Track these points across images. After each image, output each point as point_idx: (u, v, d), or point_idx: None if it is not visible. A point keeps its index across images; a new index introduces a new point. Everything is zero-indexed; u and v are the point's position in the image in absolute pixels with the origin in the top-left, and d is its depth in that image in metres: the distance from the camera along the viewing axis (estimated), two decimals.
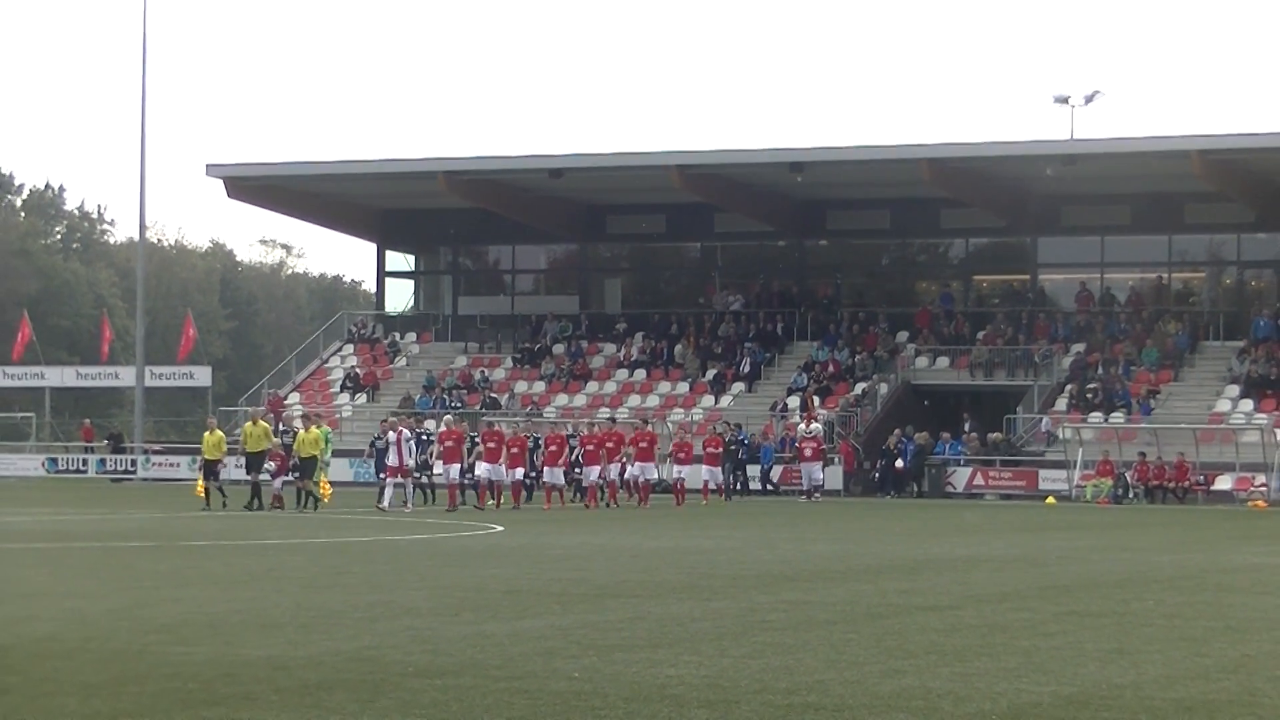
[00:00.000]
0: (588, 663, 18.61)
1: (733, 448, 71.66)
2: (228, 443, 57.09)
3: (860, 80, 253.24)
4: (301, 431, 54.91)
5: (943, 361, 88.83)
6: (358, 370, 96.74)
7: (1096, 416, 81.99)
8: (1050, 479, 77.40)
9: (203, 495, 53.74)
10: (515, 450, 59.48)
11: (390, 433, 56.75)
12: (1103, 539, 45.83)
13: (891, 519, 57.01)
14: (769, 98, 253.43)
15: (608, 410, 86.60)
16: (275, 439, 55.26)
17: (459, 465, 58.10)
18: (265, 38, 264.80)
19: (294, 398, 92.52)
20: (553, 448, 60.34)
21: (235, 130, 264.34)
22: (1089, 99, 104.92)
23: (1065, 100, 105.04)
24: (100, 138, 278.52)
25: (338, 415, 79.52)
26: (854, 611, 24.82)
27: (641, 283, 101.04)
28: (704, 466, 67.80)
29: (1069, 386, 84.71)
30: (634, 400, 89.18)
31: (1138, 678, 18.08)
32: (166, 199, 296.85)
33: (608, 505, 60.24)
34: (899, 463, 79.09)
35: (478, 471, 58.55)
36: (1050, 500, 73.93)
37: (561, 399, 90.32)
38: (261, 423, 55.11)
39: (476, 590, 27.70)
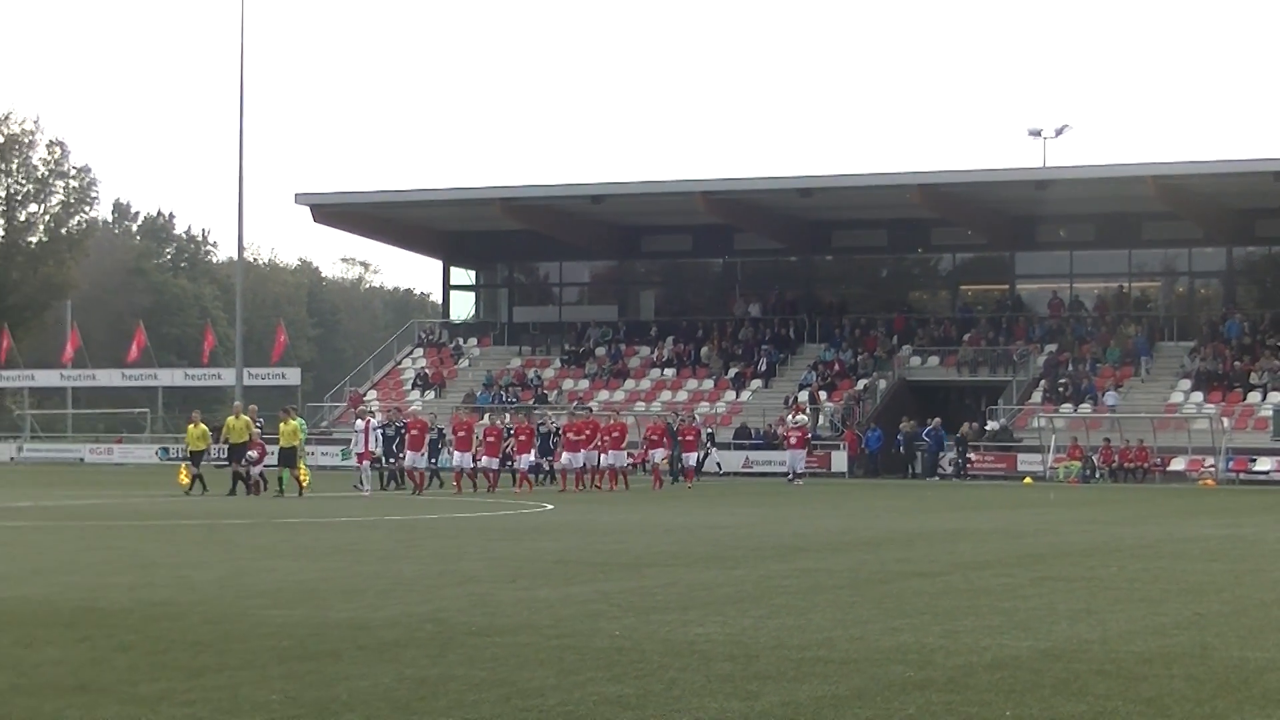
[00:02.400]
0: (627, 623, 18.60)
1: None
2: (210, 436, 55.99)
3: (860, 115, 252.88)
4: (281, 424, 54.06)
5: (933, 360, 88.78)
6: (427, 370, 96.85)
7: (1067, 407, 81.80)
8: (1027, 462, 77.32)
9: (186, 481, 53.09)
10: (523, 439, 59.25)
11: (359, 420, 56.36)
12: (1072, 514, 45.69)
13: (889, 498, 56.85)
14: (781, 131, 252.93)
15: (643, 404, 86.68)
16: (256, 430, 54.11)
17: (469, 453, 57.27)
18: (345, 80, 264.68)
19: (371, 394, 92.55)
20: (522, 437, 59.65)
21: (319, 161, 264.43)
22: (1059, 132, 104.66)
23: (1038, 133, 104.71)
24: (205, 170, 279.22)
25: (411, 408, 79.18)
26: (857, 578, 24.79)
27: (671, 294, 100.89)
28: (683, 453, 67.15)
29: (1043, 381, 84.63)
30: (665, 395, 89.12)
31: (1104, 634, 18.05)
32: (261, 223, 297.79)
33: (591, 488, 59.04)
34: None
35: (482, 461, 57.98)
36: (1027, 480, 73.79)
37: (603, 394, 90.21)
38: (244, 416, 53.91)
39: (529, 561, 27.71)
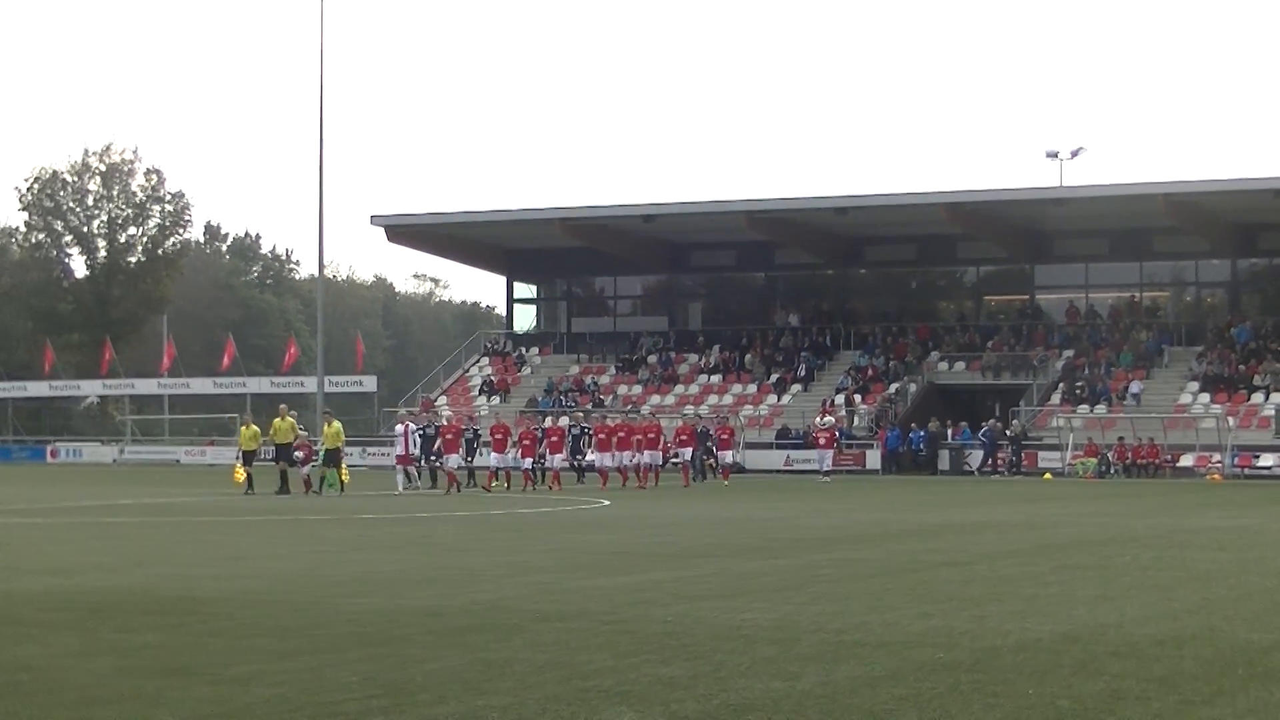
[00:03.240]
0: (678, 609, 18.60)
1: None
2: (262, 437, 55.34)
3: (891, 138, 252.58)
4: (325, 427, 54.04)
5: (959, 365, 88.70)
6: (492, 377, 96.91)
7: (1084, 408, 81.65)
8: (1047, 459, 77.13)
9: (241, 480, 52.63)
10: (555, 439, 58.73)
11: (398, 425, 55.91)
12: (1089, 507, 45.57)
13: (919, 493, 56.74)
14: (817, 153, 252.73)
15: (691, 407, 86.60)
16: (302, 432, 54.08)
17: (504, 454, 57.30)
18: (415, 108, 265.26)
19: (442, 400, 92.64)
20: (554, 438, 59.13)
21: (392, 183, 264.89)
22: (1074, 154, 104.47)
23: (1055, 155, 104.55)
24: (288, 194, 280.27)
25: (477, 413, 79.24)
26: (890, 567, 24.75)
27: (717, 305, 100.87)
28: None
29: (1061, 384, 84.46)
30: (712, 399, 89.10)
31: (1119, 618, 17.98)
32: (340, 242, 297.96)
33: (622, 486, 58.07)
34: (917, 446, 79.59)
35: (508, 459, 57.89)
36: (1047, 476, 73.57)
37: (655, 399, 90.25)
38: (289, 418, 53.80)
39: (588, 552, 27.71)
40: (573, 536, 32.28)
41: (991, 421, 79.22)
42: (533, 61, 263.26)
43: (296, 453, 52.80)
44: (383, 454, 79.90)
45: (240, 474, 53.02)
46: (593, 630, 16.75)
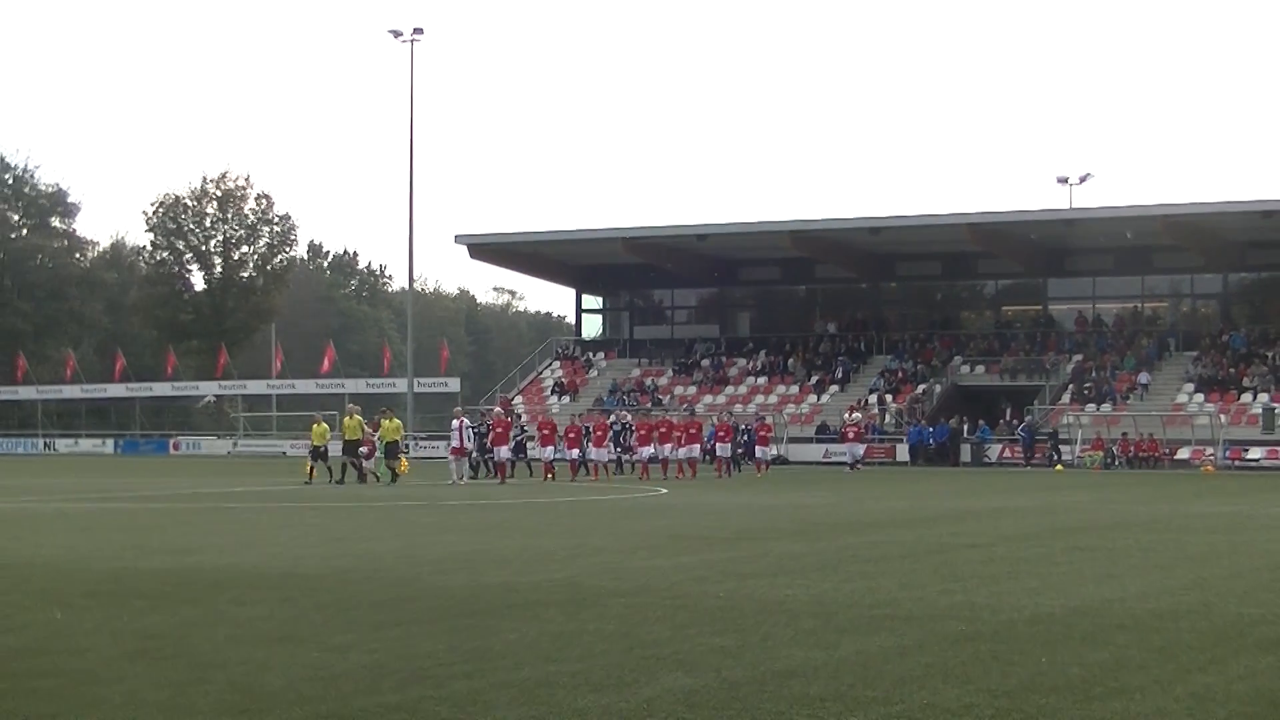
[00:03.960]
0: (728, 586, 18.60)
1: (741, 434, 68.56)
2: (331, 433, 55.48)
3: (918, 165, 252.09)
4: (385, 422, 53.67)
5: (979, 369, 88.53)
6: (563, 379, 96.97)
7: (1091, 407, 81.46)
8: (1066, 451, 76.86)
9: (310, 475, 52.67)
10: (599, 434, 58.06)
11: (454, 421, 55.19)
12: (1096, 495, 45.42)
13: (943, 483, 56.61)
14: (854, 179, 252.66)
15: (740, 406, 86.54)
16: (368, 429, 53.60)
17: (551, 447, 56.79)
18: (492, 138, 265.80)
19: (518, 399, 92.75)
20: (599, 433, 58.48)
21: (473, 205, 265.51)
22: (1083, 179, 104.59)
23: (1066, 180, 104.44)
24: (382, 216, 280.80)
25: (550, 411, 79.25)
26: (917, 548, 24.69)
27: (763, 315, 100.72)
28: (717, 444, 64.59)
29: (1071, 385, 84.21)
30: (759, 399, 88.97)
31: (1123, 594, 17.94)
32: (427, 258, 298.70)
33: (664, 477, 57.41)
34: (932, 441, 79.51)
35: (572, 453, 57.84)
36: (1059, 468, 73.39)
37: (707, 399, 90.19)
38: (357, 417, 53.58)
39: (648, 535, 27.70)
40: (634, 522, 32.31)
41: (1029, 419, 79.06)
42: (599, 94, 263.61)
43: (361, 448, 52.70)
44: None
45: (309, 467, 53.31)
46: (652, 605, 16.76)
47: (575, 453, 57.35)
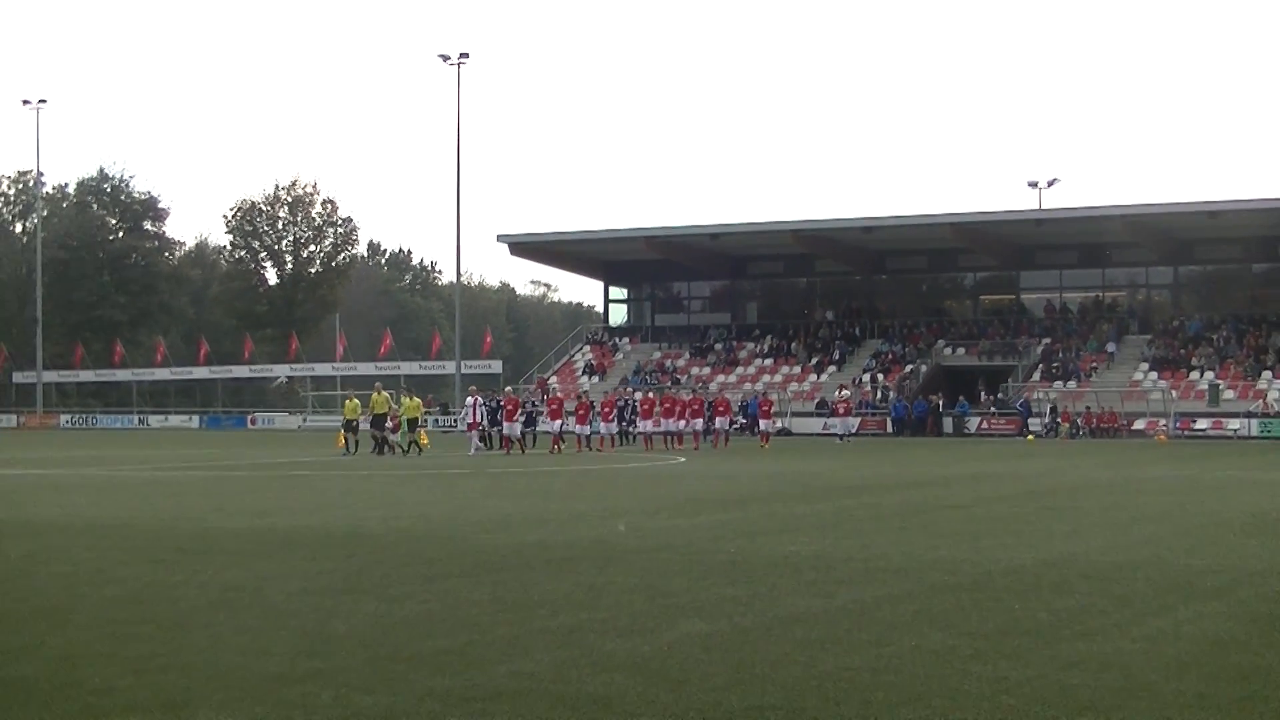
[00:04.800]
0: (739, 543, 18.60)
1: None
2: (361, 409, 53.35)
3: (907, 172, 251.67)
4: (406, 400, 52.94)
5: (960, 351, 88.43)
6: (592, 361, 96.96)
7: (1058, 384, 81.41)
8: (1032, 424, 76.77)
9: (341, 444, 51.93)
10: (606, 410, 57.73)
11: (469, 399, 54.74)
12: (1062, 462, 45.37)
13: (932, 451, 56.57)
14: (850, 184, 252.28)
15: (749, 384, 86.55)
16: (394, 406, 52.38)
17: (559, 421, 55.93)
18: (527, 146, 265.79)
19: (553, 379, 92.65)
20: (606, 409, 58.05)
21: (513, 206, 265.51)
22: (1051, 183, 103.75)
23: (1035, 184, 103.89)
24: (432, 218, 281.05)
25: (581, 390, 79.13)
26: (906, 509, 24.70)
27: (769, 304, 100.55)
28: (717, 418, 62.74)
29: (1040, 365, 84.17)
30: (765, 379, 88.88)
31: (1086, 549, 17.94)
32: (473, 256, 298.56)
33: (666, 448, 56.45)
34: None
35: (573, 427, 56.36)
36: (1030, 438, 73.27)
37: (720, 378, 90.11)
38: (383, 394, 52.14)
39: (667, 498, 27.70)
40: (656, 487, 32.30)
41: (1025, 395, 78.88)
42: (623, 109, 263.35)
43: (389, 422, 52.33)
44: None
45: (341, 438, 52.60)
46: (672, 560, 16.78)
47: (583, 428, 56.67)
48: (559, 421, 56.19)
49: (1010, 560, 16.69)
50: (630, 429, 59.70)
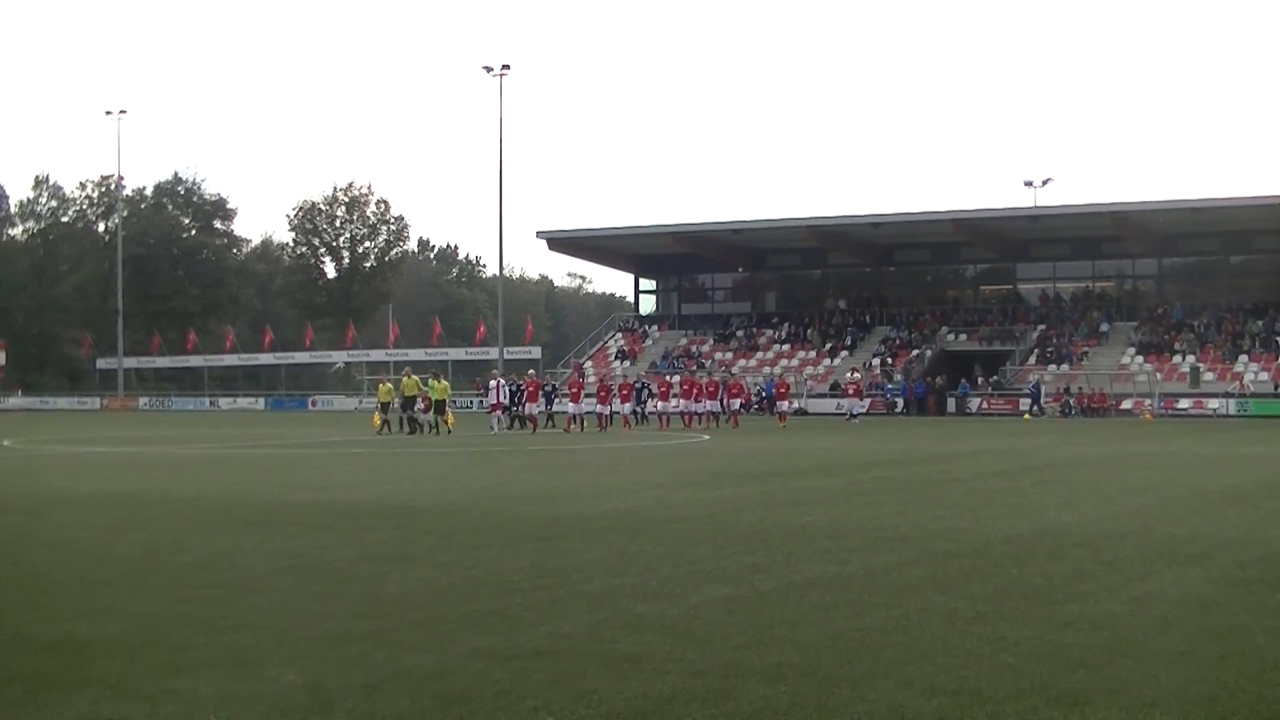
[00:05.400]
0: (758, 514, 18.59)
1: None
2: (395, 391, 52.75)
3: (914, 171, 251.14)
4: (434, 383, 51.95)
5: (962, 337, 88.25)
6: (624, 347, 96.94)
7: (1053, 367, 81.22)
8: (1026, 403, 76.64)
9: (377, 424, 51.58)
10: (624, 392, 57.79)
11: (492, 381, 54.60)
12: (1056, 439, 45.25)
13: (936, 429, 56.52)
14: (861, 182, 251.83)
15: (768, 368, 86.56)
16: (424, 388, 51.93)
17: (576, 403, 55.30)
18: (565, 147, 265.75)
19: (588, 364, 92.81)
20: (624, 391, 58.12)
21: (551, 204, 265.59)
22: (1045, 182, 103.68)
23: (1030, 183, 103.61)
24: (478, 215, 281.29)
25: (613, 373, 79.25)
26: (912, 482, 24.66)
27: (787, 294, 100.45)
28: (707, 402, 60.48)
29: (1036, 350, 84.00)
30: (783, 363, 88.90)
31: (1079, 518, 17.89)
32: (514, 250, 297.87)
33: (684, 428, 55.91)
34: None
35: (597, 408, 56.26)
36: (1026, 416, 73.06)
37: (741, 363, 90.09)
38: (413, 378, 52.18)
39: (693, 473, 27.70)
40: (682, 462, 32.30)
41: (1035, 377, 78.63)
42: (653, 116, 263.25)
43: (420, 403, 52.06)
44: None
45: (377, 419, 52.30)
46: (697, 530, 16.79)
47: (603, 408, 56.49)
48: (576, 404, 55.78)
49: (1008, 529, 16.66)
50: (642, 409, 59.68)
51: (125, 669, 9.09)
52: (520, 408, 54.53)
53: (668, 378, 61.84)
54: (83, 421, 72.83)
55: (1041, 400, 75.70)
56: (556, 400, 58.20)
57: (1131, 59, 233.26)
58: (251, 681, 8.72)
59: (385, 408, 52.18)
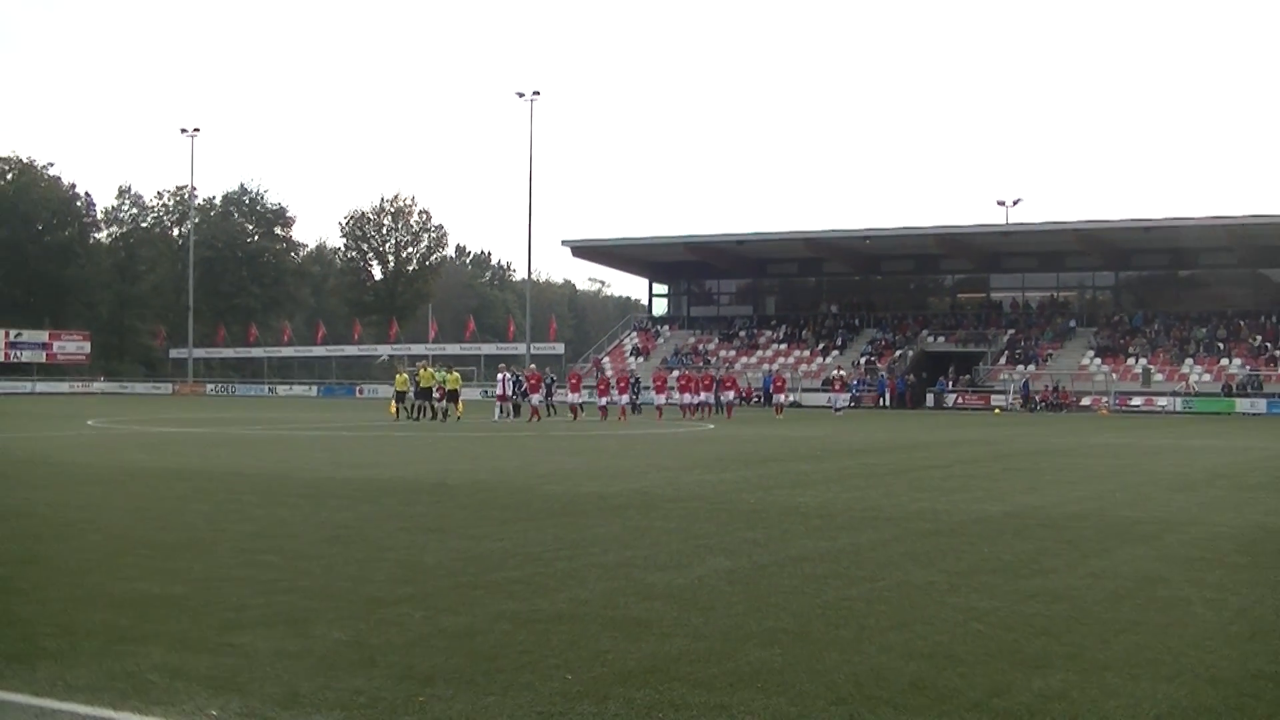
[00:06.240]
0: (757, 495, 18.61)
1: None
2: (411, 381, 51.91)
3: (900, 190, 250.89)
4: (448, 374, 51.70)
5: (941, 339, 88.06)
6: (639, 345, 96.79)
7: (1020, 367, 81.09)
8: (997, 399, 76.53)
9: (393, 413, 50.74)
10: (623, 385, 57.25)
11: (499, 374, 53.61)
12: (1024, 431, 45.21)
13: (916, 421, 56.49)
14: (853, 199, 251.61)
15: (767, 365, 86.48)
16: (438, 379, 51.25)
17: (577, 394, 54.67)
18: (586, 162, 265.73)
19: (606, 360, 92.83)
20: (622, 384, 57.55)
21: (574, 214, 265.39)
22: (1016, 202, 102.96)
23: (1003, 202, 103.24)
24: (509, 225, 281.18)
25: (629, 369, 79.21)
26: (895, 468, 24.65)
27: (785, 299, 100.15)
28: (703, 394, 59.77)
29: (1006, 351, 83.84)
30: (781, 360, 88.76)
31: (1043, 502, 17.90)
32: (541, 256, 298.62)
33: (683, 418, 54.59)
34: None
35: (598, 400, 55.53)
36: (997, 410, 72.98)
37: (744, 360, 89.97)
38: (429, 370, 51.57)
39: (700, 457, 27.72)
40: (690, 447, 32.31)
41: (1025, 376, 78.31)
42: (667, 136, 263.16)
43: (436, 393, 50.93)
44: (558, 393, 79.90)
45: (393, 408, 51.58)
46: (703, 508, 16.79)
47: (603, 399, 55.55)
48: (576, 394, 55.09)
49: (980, 511, 16.65)
50: (637, 400, 59.12)
51: (190, 625, 9.12)
52: (524, 398, 54.11)
53: (663, 373, 61.48)
54: (156, 404, 73.00)
55: (1028, 394, 75.51)
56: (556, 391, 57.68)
57: (1094, 94, 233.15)
58: (302, 638, 8.73)
59: (401, 396, 51.55)
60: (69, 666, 8.00)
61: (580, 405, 54.52)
